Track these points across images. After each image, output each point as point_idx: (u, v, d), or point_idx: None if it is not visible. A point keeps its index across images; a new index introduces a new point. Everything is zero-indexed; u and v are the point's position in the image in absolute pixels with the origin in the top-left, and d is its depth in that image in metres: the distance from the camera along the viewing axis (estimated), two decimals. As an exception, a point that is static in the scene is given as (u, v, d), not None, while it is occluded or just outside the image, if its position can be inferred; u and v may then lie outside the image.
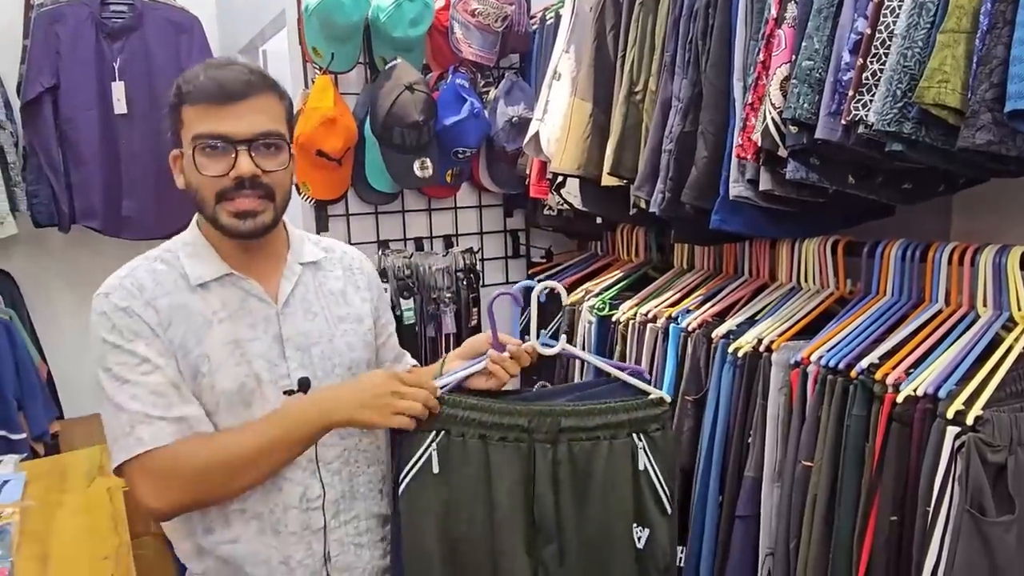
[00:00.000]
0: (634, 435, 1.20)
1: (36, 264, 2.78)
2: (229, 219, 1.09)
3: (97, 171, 2.61)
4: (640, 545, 1.21)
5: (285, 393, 1.13)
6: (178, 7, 2.74)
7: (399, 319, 2.20)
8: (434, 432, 1.14)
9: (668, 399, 1.22)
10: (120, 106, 2.62)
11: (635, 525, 1.21)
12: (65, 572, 1.22)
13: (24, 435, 2.43)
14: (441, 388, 1.16)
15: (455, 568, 1.15)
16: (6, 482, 1.63)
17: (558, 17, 2.11)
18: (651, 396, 1.22)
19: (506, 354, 1.19)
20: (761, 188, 1.33)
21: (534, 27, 2.32)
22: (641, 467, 1.20)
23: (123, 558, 1.28)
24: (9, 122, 2.56)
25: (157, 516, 1.08)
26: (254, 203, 1.08)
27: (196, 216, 1.18)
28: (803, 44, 1.20)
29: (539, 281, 2.37)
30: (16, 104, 2.58)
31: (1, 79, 2.57)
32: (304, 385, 1.14)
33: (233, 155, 1.06)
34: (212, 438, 1.08)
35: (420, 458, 1.14)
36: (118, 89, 2.62)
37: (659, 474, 1.21)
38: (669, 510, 1.22)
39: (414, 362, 1.43)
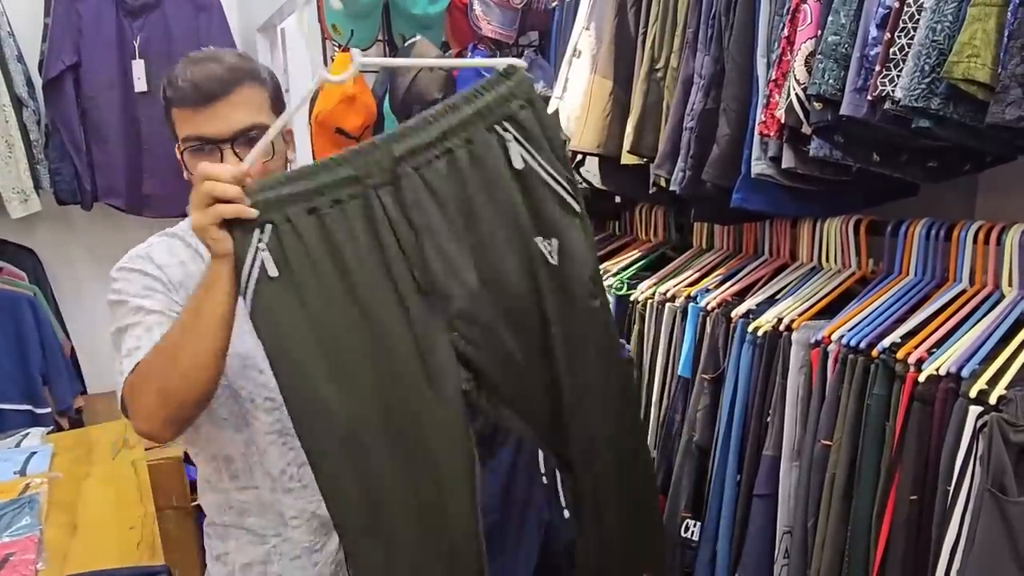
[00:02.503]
0: (496, 127, 0.92)
1: (59, 241, 2.81)
2: None
3: (119, 149, 2.64)
4: (553, 260, 0.97)
5: None
6: (198, -15, 2.74)
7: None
8: (256, 230, 0.91)
9: (522, 64, 0.95)
10: (140, 84, 2.64)
11: (538, 238, 0.96)
12: (93, 540, 1.25)
13: (49, 409, 2.48)
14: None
15: (343, 383, 0.94)
16: (33, 454, 1.67)
17: (578, -6, 2.09)
18: (499, 68, 0.94)
19: None
20: (784, 166, 1.31)
21: (554, 4, 2.30)
22: (519, 165, 0.93)
23: (149, 527, 1.31)
24: (31, 100, 2.59)
25: (151, 435, 1.09)
26: None
27: None
28: (829, 19, 1.18)
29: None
30: (38, 82, 2.60)
31: (23, 57, 2.59)
32: None
33: (218, 155, 1.08)
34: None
35: (251, 269, 0.93)
36: (138, 67, 2.64)
37: (546, 165, 0.94)
38: (576, 207, 0.97)
39: None
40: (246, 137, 1.08)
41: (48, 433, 1.96)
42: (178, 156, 1.16)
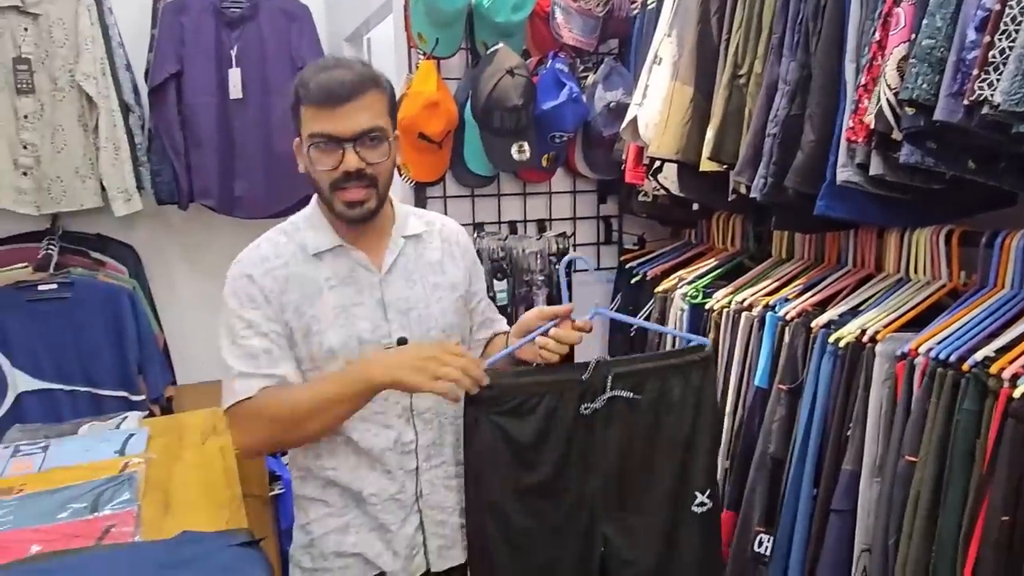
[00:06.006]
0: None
1: (157, 239, 2.97)
2: (341, 206, 1.24)
3: (213, 153, 2.77)
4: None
5: (387, 349, 1.27)
6: (290, -4, 2.87)
7: (491, 300, 2.24)
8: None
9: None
10: (236, 91, 2.77)
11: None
12: (186, 516, 1.30)
13: (143, 397, 2.62)
14: (488, 364, 1.22)
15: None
16: (132, 436, 1.76)
17: (659, 2, 2.09)
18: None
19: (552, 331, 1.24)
20: (871, 173, 1.28)
21: (635, 12, 2.30)
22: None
23: (236, 508, 1.36)
24: (138, 106, 2.75)
25: (247, 453, 1.27)
26: (360, 193, 1.22)
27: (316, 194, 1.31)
28: (924, 22, 1.15)
29: (628, 266, 2.36)
30: (144, 89, 2.77)
31: (131, 66, 2.76)
32: (403, 344, 1.27)
33: (340, 152, 1.19)
34: (284, 390, 1.23)
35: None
36: (235, 75, 2.77)
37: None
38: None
39: (506, 328, 1.49)
40: (367, 137, 1.20)
41: (143, 418, 2.07)
42: (295, 148, 1.26)
